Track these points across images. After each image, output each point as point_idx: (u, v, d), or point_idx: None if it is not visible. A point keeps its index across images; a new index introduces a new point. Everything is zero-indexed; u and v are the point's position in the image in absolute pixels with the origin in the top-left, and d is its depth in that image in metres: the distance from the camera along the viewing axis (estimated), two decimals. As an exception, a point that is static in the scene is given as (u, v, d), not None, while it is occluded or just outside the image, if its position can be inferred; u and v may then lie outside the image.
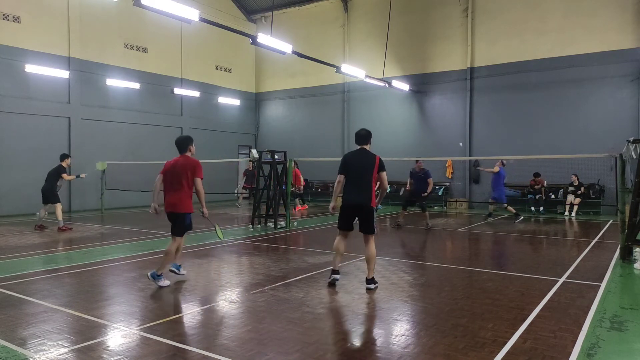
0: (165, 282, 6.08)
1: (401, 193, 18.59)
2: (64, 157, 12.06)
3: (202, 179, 6.17)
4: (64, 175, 11.80)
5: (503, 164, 13.57)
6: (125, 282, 6.42)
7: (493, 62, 17.47)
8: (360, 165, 6.04)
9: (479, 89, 17.83)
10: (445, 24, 18.45)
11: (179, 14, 9.15)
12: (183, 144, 6.30)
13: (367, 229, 6.01)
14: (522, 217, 13.63)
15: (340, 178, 6.13)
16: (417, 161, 12.68)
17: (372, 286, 5.95)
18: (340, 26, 21.05)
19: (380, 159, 6.08)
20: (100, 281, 6.53)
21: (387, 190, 18.37)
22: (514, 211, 13.50)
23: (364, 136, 6.22)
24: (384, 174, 6.11)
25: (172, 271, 6.44)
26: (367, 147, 6.20)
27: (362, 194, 5.98)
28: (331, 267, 6.32)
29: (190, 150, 6.31)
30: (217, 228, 6.86)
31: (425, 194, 12.25)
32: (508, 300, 5.46)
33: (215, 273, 6.95)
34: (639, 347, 4.05)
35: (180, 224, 6.22)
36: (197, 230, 11.81)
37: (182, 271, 6.57)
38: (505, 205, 13.52)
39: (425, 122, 19.15)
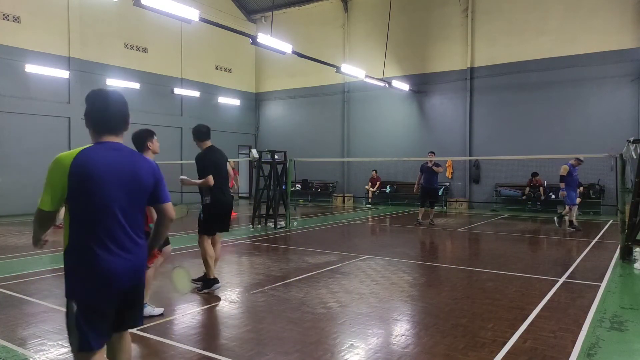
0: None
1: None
2: None
3: None
4: None
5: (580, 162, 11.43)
6: (125, 282, 6.40)
7: (493, 62, 17.46)
8: (222, 162, 5.95)
9: (479, 89, 17.82)
10: (445, 24, 18.44)
11: (179, 14, 9.16)
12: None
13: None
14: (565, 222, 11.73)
15: (210, 180, 5.63)
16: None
17: (199, 284, 5.84)
18: (340, 26, 21.05)
19: None
20: (100, 281, 6.51)
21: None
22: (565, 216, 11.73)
23: (207, 132, 5.91)
24: None
25: None
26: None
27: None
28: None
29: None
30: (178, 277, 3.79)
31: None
32: (508, 300, 5.45)
33: (215, 273, 6.93)
34: (639, 347, 4.06)
35: None
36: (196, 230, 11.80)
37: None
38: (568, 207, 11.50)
39: (425, 122, 19.14)
